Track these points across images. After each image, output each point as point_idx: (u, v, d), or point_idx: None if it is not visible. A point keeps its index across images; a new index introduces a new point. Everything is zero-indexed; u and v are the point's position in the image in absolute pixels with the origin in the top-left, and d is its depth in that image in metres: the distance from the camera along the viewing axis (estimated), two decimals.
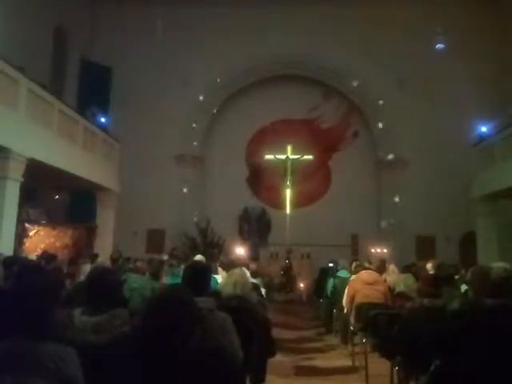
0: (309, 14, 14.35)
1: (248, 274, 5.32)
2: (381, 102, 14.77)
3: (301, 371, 5.66)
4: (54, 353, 1.59)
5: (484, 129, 11.87)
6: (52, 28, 12.79)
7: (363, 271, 6.05)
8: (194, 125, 15.04)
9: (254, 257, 12.48)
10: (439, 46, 13.17)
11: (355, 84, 14.91)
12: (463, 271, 6.34)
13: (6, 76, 7.62)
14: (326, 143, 15.97)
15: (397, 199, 14.52)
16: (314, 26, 14.33)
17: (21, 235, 10.06)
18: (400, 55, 14.17)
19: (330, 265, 9.91)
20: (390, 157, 14.80)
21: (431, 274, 4.95)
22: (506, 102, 12.61)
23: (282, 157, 15.12)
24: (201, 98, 14.89)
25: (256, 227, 15.05)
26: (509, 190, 10.12)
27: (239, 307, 3.22)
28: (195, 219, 14.50)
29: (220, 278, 5.52)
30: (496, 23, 14.09)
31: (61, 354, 1.60)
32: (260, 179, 16.02)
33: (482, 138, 11.81)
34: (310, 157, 15.34)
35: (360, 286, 5.66)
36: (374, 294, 5.51)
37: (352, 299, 5.74)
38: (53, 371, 1.55)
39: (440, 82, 13.97)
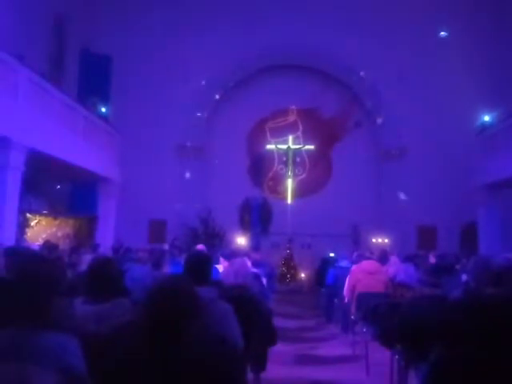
0: (310, 4, 14.18)
1: (249, 263, 5.34)
2: (382, 90, 14.68)
3: (302, 360, 5.70)
4: (55, 342, 1.59)
5: (486, 118, 11.81)
6: (52, 16, 12.68)
7: (364, 261, 6.07)
8: (196, 114, 14.98)
9: (255, 247, 12.51)
10: (442, 34, 13.06)
11: (357, 74, 14.82)
12: (464, 261, 6.35)
13: (5, 65, 7.58)
14: (327, 133, 15.93)
15: (398, 189, 14.51)
16: (316, 16, 14.15)
17: (22, 225, 10.09)
18: (402, 45, 14.02)
19: (331, 254, 9.95)
20: (392, 147, 14.74)
21: (432, 264, 4.96)
22: (509, 91, 12.53)
23: (284, 147, 15.11)
24: (202, 87, 14.81)
25: (257, 217, 15.07)
26: (511, 180, 10.09)
27: (240, 297, 3.23)
28: (196, 209, 14.51)
29: (221, 267, 5.54)
30: (496, 12, 13.90)
31: (63, 344, 1.60)
32: (261, 169, 16.01)
33: (485, 128, 11.76)
34: (312, 147, 15.33)
35: (361, 275, 5.68)
36: (375, 284, 5.54)
37: (353, 289, 5.76)
38: (54, 361, 1.55)
39: (443, 71, 13.85)
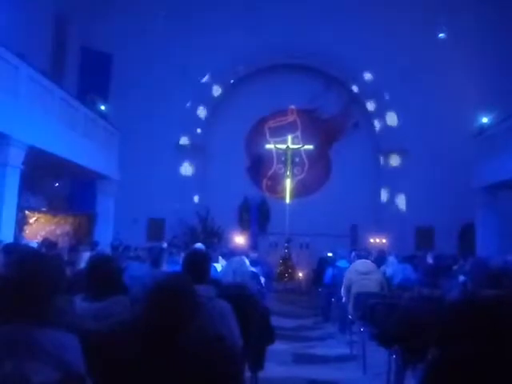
0: (311, 4, 14.16)
1: (247, 262, 5.34)
2: (382, 91, 14.70)
3: (299, 359, 5.72)
4: (54, 339, 1.59)
5: (485, 119, 11.82)
6: (53, 14, 12.66)
7: (358, 261, 6.08)
8: (196, 113, 14.98)
9: (254, 246, 12.51)
10: (441, 35, 13.06)
11: (357, 74, 14.82)
12: (461, 262, 6.38)
13: (6, 62, 7.57)
14: (326, 133, 15.94)
15: (396, 190, 14.52)
16: (317, 16, 14.14)
17: (21, 222, 10.08)
18: (402, 45, 14.03)
19: (329, 254, 9.96)
20: (390, 148, 14.76)
21: (430, 265, 4.97)
22: (507, 92, 12.53)
23: (283, 146, 15.10)
24: (202, 86, 14.80)
25: (256, 217, 15.07)
26: (509, 182, 10.11)
27: (239, 295, 3.24)
28: (195, 208, 14.52)
29: (220, 266, 5.55)
30: (496, 14, 13.90)
31: (61, 341, 1.60)
32: (260, 169, 16.01)
33: (483, 129, 11.78)
34: (311, 147, 15.33)
35: (355, 276, 5.68)
36: (369, 284, 5.53)
37: (349, 288, 5.77)
38: (53, 357, 1.55)
39: (441, 72, 13.85)
